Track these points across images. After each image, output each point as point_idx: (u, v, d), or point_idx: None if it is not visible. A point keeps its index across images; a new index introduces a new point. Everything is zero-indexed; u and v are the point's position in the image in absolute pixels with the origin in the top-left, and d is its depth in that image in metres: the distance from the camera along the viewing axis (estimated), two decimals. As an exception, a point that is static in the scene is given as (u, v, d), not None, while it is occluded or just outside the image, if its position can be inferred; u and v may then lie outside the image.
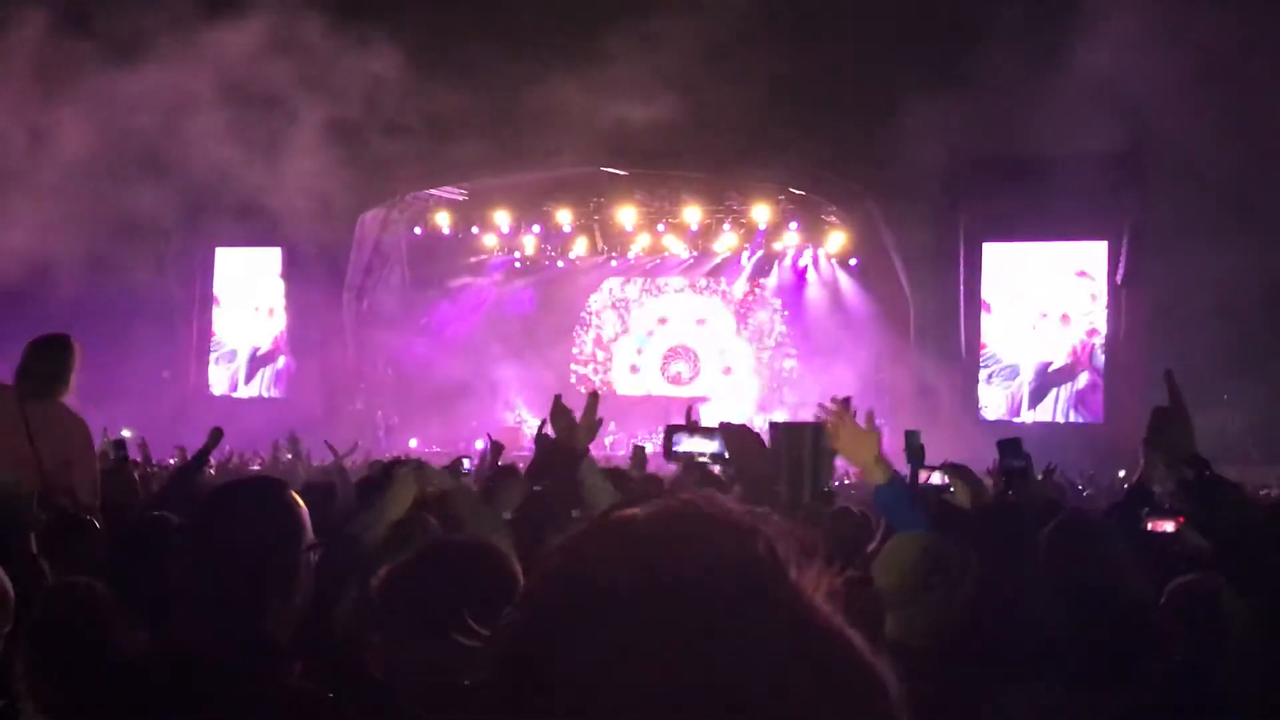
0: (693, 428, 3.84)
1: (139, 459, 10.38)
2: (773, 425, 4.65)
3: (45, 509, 4.79)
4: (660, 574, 0.88)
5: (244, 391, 27.78)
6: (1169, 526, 4.91)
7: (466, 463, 6.22)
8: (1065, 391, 22.87)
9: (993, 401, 23.25)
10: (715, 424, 3.94)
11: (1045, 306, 23.14)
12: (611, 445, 25.07)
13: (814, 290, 26.63)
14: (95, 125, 20.06)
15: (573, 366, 28.42)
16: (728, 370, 27.62)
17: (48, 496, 5.18)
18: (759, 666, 0.84)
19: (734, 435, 3.86)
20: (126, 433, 13.70)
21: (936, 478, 4.60)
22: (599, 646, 0.86)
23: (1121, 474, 14.31)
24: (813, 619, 0.88)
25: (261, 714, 2.23)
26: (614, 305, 28.64)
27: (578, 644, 0.88)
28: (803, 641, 0.87)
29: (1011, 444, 5.81)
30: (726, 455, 3.82)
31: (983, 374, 23.39)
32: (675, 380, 27.94)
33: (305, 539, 2.42)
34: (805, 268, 26.72)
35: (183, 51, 19.87)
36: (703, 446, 3.80)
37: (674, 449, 3.87)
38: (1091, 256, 22.89)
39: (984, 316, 23.44)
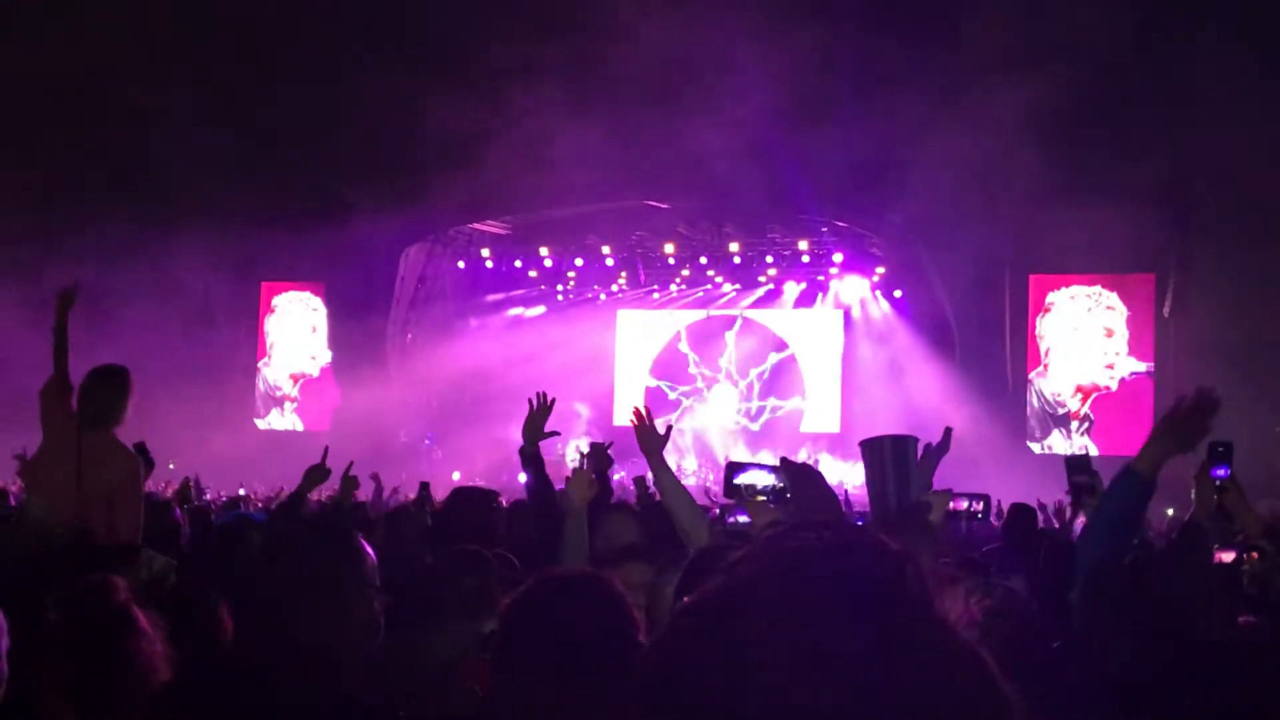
0: (749, 464, 3.83)
1: (176, 495, 10.49)
2: (861, 444, 4.70)
3: (78, 542, 4.82)
4: (812, 598, 0.92)
5: (290, 425, 27.98)
6: (1229, 557, 4.87)
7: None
8: (1113, 425, 22.61)
9: (1040, 434, 23.03)
10: (777, 460, 3.92)
11: (1092, 339, 22.92)
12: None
13: (858, 322, 26.53)
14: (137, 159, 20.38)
15: (616, 399, 28.41)
16: (773, 400, 27.50)
17: (81, 529, 5.21)
18: (901, 687, 0.88)
19: (794, 472, 3.83)
20: (170, 467, 13.82)
21: (966, 504, 4.55)
22: (748, 664, 0.90)
23: (1171, 512, 14.05)
24: (952, 644, 0.93)
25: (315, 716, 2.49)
26: (658, 337, 28.60)
27: (728, 660, 0.91)
28: (943, 666, 0.91)
29: (1079, 460, 5.73)
30: (787, 493, 3.80)
31: (1030, 406, 23.17)
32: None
33: (362, 575, 2.73)
34: (849, 299, 26.63)
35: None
36: (762, 480, 3.78)
37: (734, 482, 3.85)
38: (1139, 289, 22.68)
39: (1030, 349, 23.25)
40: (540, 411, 5.80)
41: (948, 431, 5.31)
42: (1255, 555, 4.83)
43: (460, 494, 6.62)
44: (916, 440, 4.85)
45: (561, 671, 2.26)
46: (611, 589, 2.42)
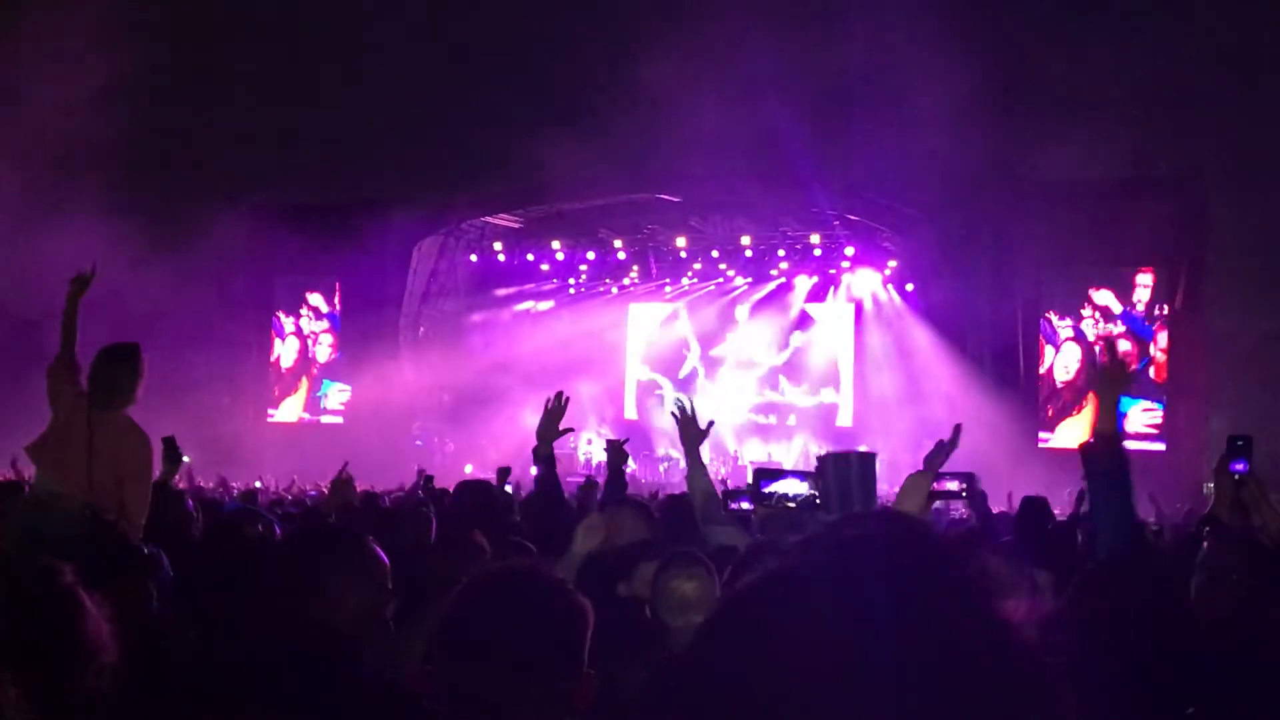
0: (783, 471, 3.85)
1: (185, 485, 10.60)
2: (819, 459, 4.61)
3: (88, 520, 4.85)
4: (880, 591, 0.92)
5: (302, 417, 28.04)
6: None
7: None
8: (1125, 419, 22.57)
9: (1051, 428, 23.00)
10: (811, 468, 3.94)
11: (1103, 329, 22.86)
12: (665, 472, 25.04)
13: (870, 316, 26.46)
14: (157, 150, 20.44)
15: (626, 393, 28.42)
16: (781, 395, 27.47)
17: (92, 508, 5.24)
18: (964, 684, 0.89)
19: (840, 466, 3.83)
20: (185, 460, 13.86)
21: (953, 485, 4.52)
22: (813, 656, 0.90)
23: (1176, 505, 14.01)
24: (1013, 641, 0.94)
25: (330, 696, 2.54)
26: (669, 330, 28.58)
27: (792, 650, 0.91)
28: (1004, 662, 0.91)
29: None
30: (817, 499, 3.82)
31: (1041, 401, 23.14)
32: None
33: (368, 578, 2.80)
34: (861, 293, 26.57)
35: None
36: (794, 489, 3.78)
37: (763, 491, 3.84)
38: (1151, 282, 22.60)
39: (1042, 343, 23.21)
40: (556, 411, 5.85)
41: (957, 428, 5.30)
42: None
43: (464, 486, 6.69)
44: (876, 456, 4.81)
45: (504, 670, 2.20)
46: (555, 582, 2.38)
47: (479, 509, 6.14)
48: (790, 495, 3.79)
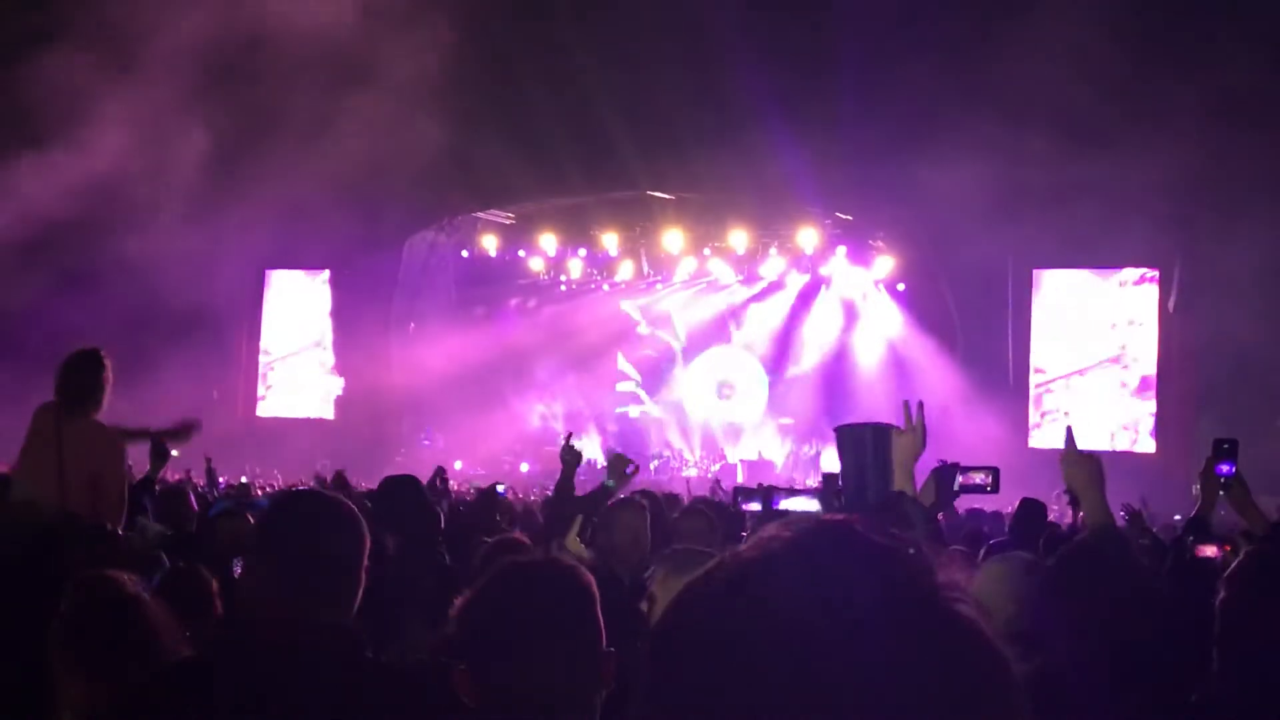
0: (794, 489, 3.83)
1: (202, 482, 10.70)
2: (837, 430, 4.54)
3: (63, 522, 4.92)
4: (821, 582, 0.90)
5: (293, 413, 27.96)
6: (1211, 551, 4.89)
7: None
8: (1115, 420, 22.61)
9: (1041, 430, 23.03)
10: (799, 467, 3.93)
11: (1096, 332, 22.91)
12: (656, 470, 25.03)
13: (861, 316, 26.49)
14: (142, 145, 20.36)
15: (618, 388, 28.41)
16: (769, 396, 27.49)
17: (66, 511, 5.33)
18: (908, 665, 0.86)
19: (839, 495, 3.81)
20: (173, 453, 13.78)
21: (979, 477, 4.49)
22: (752, 648, 0.88)
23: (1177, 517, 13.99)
24: (959, 618, 0.91)
25: (341, 682, 2.52)
26: (659, 328, 28.58)
27: (744, 644, 0.89)
28: (948, 639, 0.89)
29: None
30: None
31: (1032, 402, 23.18)
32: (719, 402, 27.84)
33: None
34: (852, 293, 26.60)
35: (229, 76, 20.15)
36: (806, 506, 3.74)
37: (774, 508, 3.78)
38: (1144, 284, 22.66)
39: (1034, 344, 23.24)
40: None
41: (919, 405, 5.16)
42: (1228, 548, 4.85)
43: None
44: (894, 428, 4.74)
45: (529, 665, 2.25)
46: (566, 567, 2.44)
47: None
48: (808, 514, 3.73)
